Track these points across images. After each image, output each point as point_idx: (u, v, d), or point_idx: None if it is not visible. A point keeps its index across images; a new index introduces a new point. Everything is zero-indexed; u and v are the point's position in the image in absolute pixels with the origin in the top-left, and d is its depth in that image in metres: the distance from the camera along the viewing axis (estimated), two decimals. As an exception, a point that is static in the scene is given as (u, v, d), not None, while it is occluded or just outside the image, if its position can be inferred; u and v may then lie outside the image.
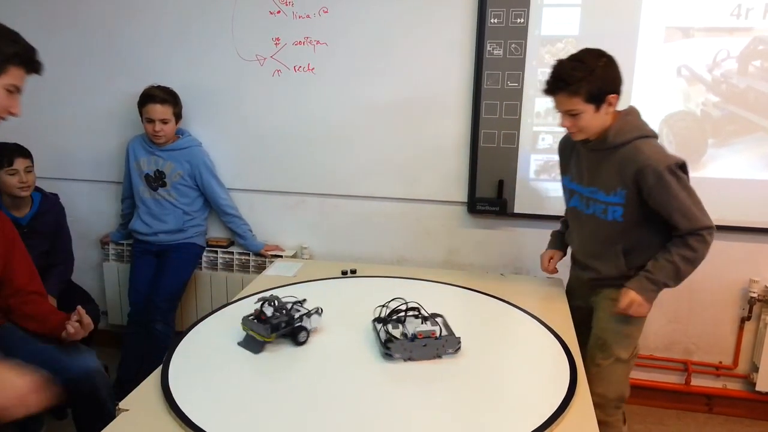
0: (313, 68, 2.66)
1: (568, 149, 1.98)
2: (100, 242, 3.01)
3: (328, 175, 2.78)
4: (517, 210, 2.62)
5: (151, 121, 2.62)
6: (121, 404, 1.39)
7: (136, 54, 2.80)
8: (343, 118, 2.70)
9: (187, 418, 1.32)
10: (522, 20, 2.40)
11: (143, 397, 1.42)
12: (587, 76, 1.67)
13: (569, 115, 1.75)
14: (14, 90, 1.51)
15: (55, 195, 2.63)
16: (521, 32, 2.42)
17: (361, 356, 1.63)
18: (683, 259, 1.74)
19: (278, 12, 2.62)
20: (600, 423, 1.39)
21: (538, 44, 2.43)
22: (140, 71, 2.78)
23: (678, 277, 1.77)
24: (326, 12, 2.58)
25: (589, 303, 2.00)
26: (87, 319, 1.82)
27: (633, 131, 1.76)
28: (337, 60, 2.63)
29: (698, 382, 2.62)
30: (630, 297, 1.78)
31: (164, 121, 2.63)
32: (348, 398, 1.42)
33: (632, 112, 1.82)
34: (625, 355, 1.87)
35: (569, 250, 2.16)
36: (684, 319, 2.58)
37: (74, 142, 2.97)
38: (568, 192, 2.01)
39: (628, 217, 1.79)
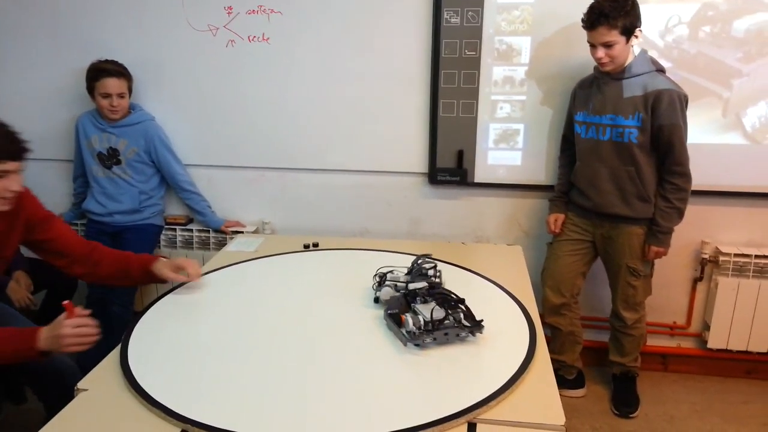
0: (267, 38, 2.60)
1: (586, 87, 2.29)
2: (53, 223, 2.91)
3: (288, 149, 2.74)
4: (477, 180, 2.64)
5: (107, 96, 2.53)
6: (80, 384, 1.36)
7: (82, 26, 2.68)
8: (301, 90, 2.65)
9: (148, 394, 1.30)
10: (479, -13, 2.39)
11: (102, 377, 1.39)
12: (623, 13, 2.01)
13: (605, 46, 2.05)
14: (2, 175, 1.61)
15: None
16: None
17: (323, 329, 1.63)
18: (681, 200, 2.17)
19: (231, -20, 2.54)
20: (636, 321, 2.36)
21: (495, 11, 2.42)
22: (86, 44, 2.67)
23: (681, 216, 2.20)
24: (280, -20, 2.52)
25: (595, 234, 2.35)
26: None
27: (652, 64, 2.15)
28: (292, 29, 2.58)
29: (654, 342, 2.72)
30: (654, 251, 2.23)
31: (121, 95, 2.55)
32: (318, 367, 1.42)
33: (646, 52, 2.18)
34: (650, 270, 2.34)
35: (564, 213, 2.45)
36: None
37: (18, 119, 2.78)
38: (584, 126, 2.26)
39: (641, 139, 2.13)
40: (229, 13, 2.59)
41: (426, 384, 1.36)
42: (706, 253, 2.56)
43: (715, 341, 2.60)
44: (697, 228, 2.54)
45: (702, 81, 2.37)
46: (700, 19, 2.32)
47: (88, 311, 1.59)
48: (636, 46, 2.12)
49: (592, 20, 2.04)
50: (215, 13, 2.59)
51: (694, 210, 2.52)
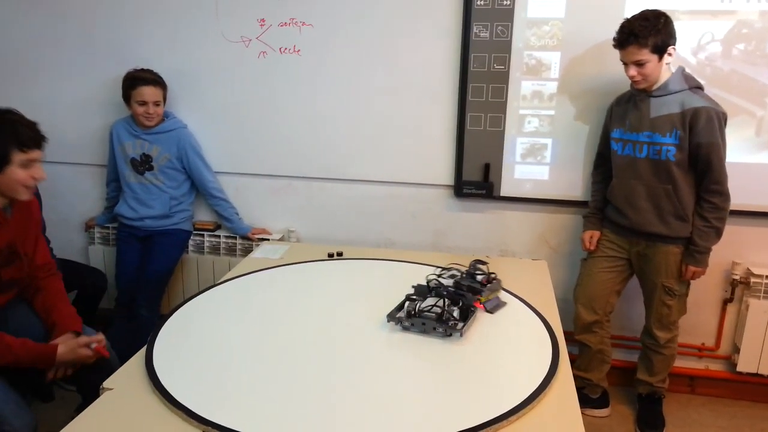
0: (299, 50, 2.64)
1: (623, 103, 2.26)
2: (86, 225, 2.99)
3: (316, 159, 2.77)
4: (503, 193, 2.63)
5: (143, 103, 2.60)
6: (105, 383, 1.39)
7: (119, 36, 2.76)
8: (330, 101, 2.68)
9: (170, 395, 1.32)
10: (508, 2, 2.39)
11: (127, 377, 1.43)
12: (653, 31, 1.99)
13: (637, 65, 2.04)
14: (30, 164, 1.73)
15: None
16: (507, 14, 2.41)
17: (344, 338, 1.64)
18: (718, 219, 2.14)
19: (264, -7, 2.60)
20: (669, 340, 2.31)
21: (525, 26, 2.42)
22: (123, 54, 2.75)
23: (719, 235, 2.16)
24: (312, -7, 2.56)
25: (631, 252, 2.31)
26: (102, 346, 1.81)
27: (690, 81, 2.12)
28: (323, 42, 2.61)
29: (681, 363, 2.65)
30: (691, 271, 2.19)
31: (156, 103, 2.62)
32: (339, 375, 1.43)
33: (684, 69, 2.15)
34: (686, 290, 2.29)
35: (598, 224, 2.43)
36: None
37: (56, 125, 2.92)
38: (621, 143, 2.23)
39: (678, 157, 2.10)
40: (261, 25, 2.64)
41: (445, 397, 1.36)
42: (737, 274, 2.51)
43: (745, 365, 2.53)
44: (729, 248, 2.49)
45: (735, 99, 2.34)
46: (734, 36, 2.29)
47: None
48: (671, 63, 2.09)
49: (622, 39, 2.03)
50: (248, 25, 2.65)
51: (725, 229, 2.48)
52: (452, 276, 1.95)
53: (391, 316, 1.70)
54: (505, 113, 2.53)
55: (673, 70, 2.12)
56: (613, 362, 2.51)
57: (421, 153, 2.67)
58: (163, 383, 1.37)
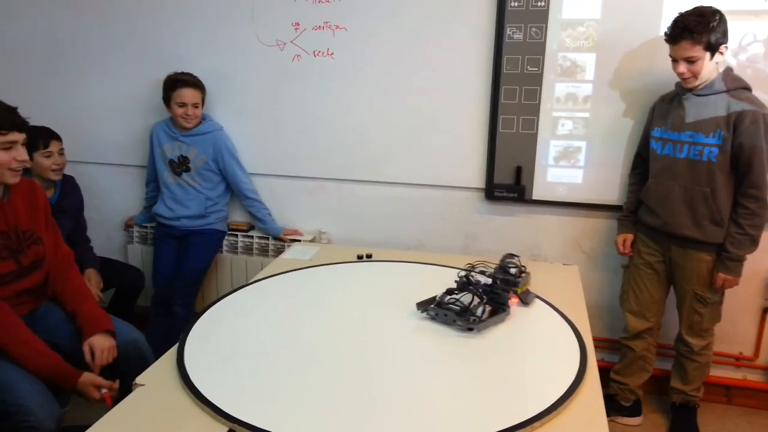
0: (332, 53, 2.67)
1: (667, 101, 2.21)
2: (125, 225, 3.08)
3: (347, 161, 2.79)
4: (535, 197, 2.60)
5: (183, 105, 2.66)
6: (138, 380, 1.44)
7: (158, 41, 2.84)
8: (362, 103, 2.70)
9: (200, 392, 1.36)
10: (543, 3, 2.37)
11: (159, 374, 1.47)
12: (708, 28, 1.95)
13: (688, 61, 2.00)
14: (9, 146, 1.74)
15: (72, 177, 2.70)
16: (542, 15, 2.39)
17: (372, 338, 1.65)
18: (754, 227, 2.05)
19: (298, -4, 2.63)
20: (703, 348, 2.25)
21: (559, 28, 2.39)
22: (162, 58, 2.83)
23: (755, 244, 2.09)
24: (345, -3, 2.59)
25: (666, 256, 2.26)
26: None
27: (738, 81, 2.07)
28: (356, 45, 2.64)
29: (718, 372, 2.58)
30: (722, 278, 2.11)
31: (195, 105, 2.69)
32: (365, 373, 1.44)
33: (732, 69, 2.10)
34: (719, 298, 2.22)
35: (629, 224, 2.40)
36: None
37: (99, 126, 3.03)
38: (661, 142, 2.18)
39: (720, 159, 2.04)
40: (296, 29, 2.68)
41: (469, 400, 1.36)
42: (778, 282, 2.43)
43: (785, 376, 2.45)
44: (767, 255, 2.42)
45: (778, 101, 2.26)
46: (777, 36, 2.21)
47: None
48: (721, 63, 2.05)
49: (675, 34, 1.99)
50: (283, 29, 2.69)
51: (764, 237, 2.40)
52: (482, 271, 1.97)
53: (421, 304, 1.79)
54: (538, 116, 2.51)
55: (721, 69, 2.07)
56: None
57: (452, 155, 2.67)
58: (193, 380, 1.41)
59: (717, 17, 1.96)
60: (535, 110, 2.50)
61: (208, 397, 1.34)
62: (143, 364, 1.61)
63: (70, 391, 1.76)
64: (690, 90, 2.08)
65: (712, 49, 1.97)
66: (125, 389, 1.42)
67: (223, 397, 1.34)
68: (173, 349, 1.57)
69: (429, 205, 2.76)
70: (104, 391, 1.73)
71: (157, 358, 1.58)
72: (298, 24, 2.68)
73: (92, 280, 2.51)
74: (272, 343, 1.62)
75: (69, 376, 1.74)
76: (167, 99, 2.71)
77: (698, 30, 1.94)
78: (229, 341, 1.63)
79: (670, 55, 2.05)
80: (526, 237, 2.70)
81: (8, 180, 1.81)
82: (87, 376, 1.74)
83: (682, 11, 2.00)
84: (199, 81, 2.72)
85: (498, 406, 1.33)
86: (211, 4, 2.73)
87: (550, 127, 2.52)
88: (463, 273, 1.89)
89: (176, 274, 2.71)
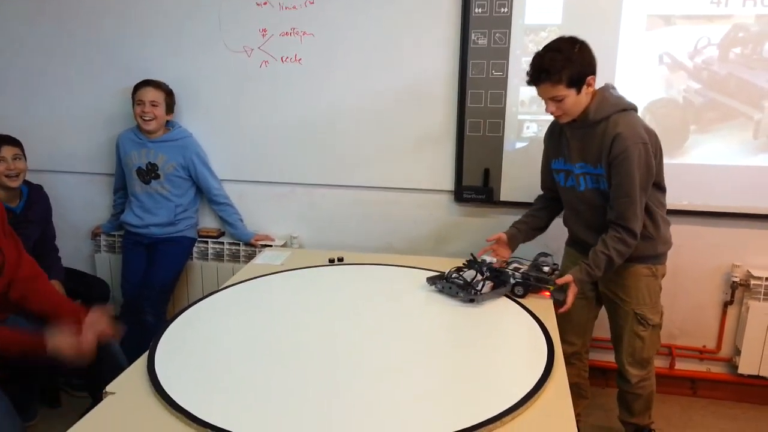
0: (300, 59, 2.68)
1: (556, 133, 2.09)
2: (92, 233, 3.03)
3: (317, 165, 2.80)
4: (503, 198, 2.65)
5: (141, 102, 2.65)
6: (108, 388, 1.42)
7: (124, 49, 2.82)
8: (330, 109, 2.72)
9: (172, 399, 1.35)
10: (506, 9, 2.42)
11: (129, 381, 1.46)
12: (566, 64, 1.80)
13: (554, 101, 1.87)
14: None
15: (40, 186, 2.66)
16: (505, 21, 2.44)
17: (343, 341, 1.66)
18: (618, 253, 1.88)
19: (265, 3, 2.64)
20: (643, 379, 2.08)
21: (522, 33, 2.45)
22: (128, 66, 2.81)
23: (610, 268, 1.92)
24: (312, 3, 2.60)
25: (604, 282, 2.09)
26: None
27: (610, 107, 1.89)
28: (323, 51, 2.65)
29: (682, 366, 2.67)
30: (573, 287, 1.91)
31: (153, 104, 2.66)
32: (337, 379, 1.45)
33: (608, 88, 1.94)
34: (660, 320, 2.08)
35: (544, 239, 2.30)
36: (668, 304, 2.59)
37: (65, 135, 2.99)
38: (562, 174, 2.07)
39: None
40: (263, 35, 2.68)
41: (441, 395, 1.39)
42: (736, 276, 2.51)
43: (746, 367, 2.54)
44: (728, 251, 2.50)
45: (732, 102, 2.35)
46: (730, 40, 2.30)
47: None
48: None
49: (533, 77, 1.85)
50: (251, 35, 2.69)
51: (724, 232, 2.49)
52: (516, 268, 2.05)
53: (430, 279, 2.02)
54: (504, 119, 2.56)
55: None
56: (592, 362, 2.45)
57: (421, 159, 2.70)
58: (164, 387, 1.40)
59: (576, 48, 1.81)
60: (501, 113, 2.55)
61: (180, 404, 1.34)
62: (118, 371, 1.60)
63: (46, 357, 1.70)
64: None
65: (577, 84, 1.82)
66: (97, 395, 1.40)
67: (196, 403, 1.34)
68: (143, 357, 1.56)
69: (399, 208, 2.79)
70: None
71: (128, 364, 1.56)
72: (265, 30, 2.68)
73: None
74: (244, 348, 1.62)
75: (37, 343, 1.69)
76: (132, 103, 2.69)
77: (555, 69, 1.79)
78: (201, 347, 1.63)
79: (539, 95, 1.91)
80: (495, 238, 2.74)
81: None
82: (53, 337, 1.70)
83: (540, 49, 1.85)
84: (164, 84, 2.71)
85: (469, 402, 1.36)
86: (177, 11, 2.72)
87: (515, 129, 2.57)
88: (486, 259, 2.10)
89: (146, 283, 2.68)
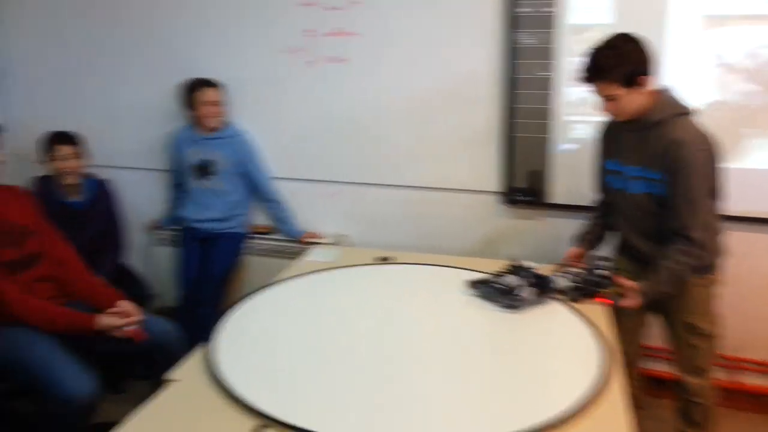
0: (346, 59, 2.73)
1: (612, 133, 2.05)
2: (150, 227, 3.17)
3: (365, 165, 2.85)
4: (553, 200, 2.64)
5: (207, 103, 2.75)
6: (170, 375, 1.51)
7: (178, 48, 2.94)
8: (377, 108, 2.76)
9: (229, 388, 1.42)
10: (552, 9, 2.41)
11: (190, 369, 1.54)
12: (621, 62, 1.77)
13: (608, 99, 1.84)
14: None
15: (107, 181, 2.80)
16: (551, 21, 2.42)
17: (393, 337, 1.71)
18: (685, 266, 1.83)
19: (311, 4, 2.70)
20: (701, 388, 1.98)
21: (569, 33, 2.43)
22: (182, 65, 2.92)
23: (679, 283, 1.88)
24: (357, 3, 2.64)
25: None
26: (129, 309, 2.00)
27: (670, 109, 1.85)
28: (369, 50, 2.70)
29: (747, 379, 2.56)
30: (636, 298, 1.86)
31: (217, 104, 2.78)
32: (388, 375, 1.50)
33: (667, 91, 1.90)
34: (715, 329, 1.99)
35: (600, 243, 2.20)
36: (728, 314, 2.39)
37: (124, 132, 3.13)
38: (614, 176, 2.03)
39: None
40: (310, 35, 2.74)
41: (490, 400, 1.41)
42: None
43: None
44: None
45: (792, 104, 2.28)
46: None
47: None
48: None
49: (587, 74, 1.82)
50: (297, 36, 2.75)
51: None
52: (570, 273, 2.00)
53: (471, 283, 1.97)
54: (550, 120, 2.54)
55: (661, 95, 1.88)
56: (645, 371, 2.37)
57: (468, 159, 2.71)
58: (222, 376, 1.48)
59: (631, 46, 1.78)
60: (548, 114, 2.54)
61: (236, 393, 1.41)
62: (176, 357, 1.70)
63: (93, 333, 1.90)
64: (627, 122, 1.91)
65: (631, 82, 1.78)
66: (159, 382, 1.49)
67: (252, 392, 1.40)
68: (203, 346, 1.64)
69: (448, 208, 2.80)
70: (131, 328, 1.93)
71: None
72: (312, 31, 2.74)
73: None
74: (296, 341, 1.68)
75: (84, 321, 1.90)
76: (189, 102, 2.79)
77: (608, 67, 1.77)
78: (256, 339, 1.70)
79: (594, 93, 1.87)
80: (545, 241, 2.70)
81: None
82: (101, 316, 1.91)
83: (594, 46, 1.81)
84: (219, 82, 2.81)
85: (523, 406, 1.38)
86: (227, 11, 2.82)
87: (563, 131, 2.55)
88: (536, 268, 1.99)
89: (202, 277, 2.79)
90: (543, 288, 1.91)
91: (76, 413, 1.80)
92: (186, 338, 2.19)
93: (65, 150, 2.57)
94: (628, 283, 1.87)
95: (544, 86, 2.51)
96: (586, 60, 1.82)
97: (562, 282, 1.95)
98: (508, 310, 1.85)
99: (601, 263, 1.99)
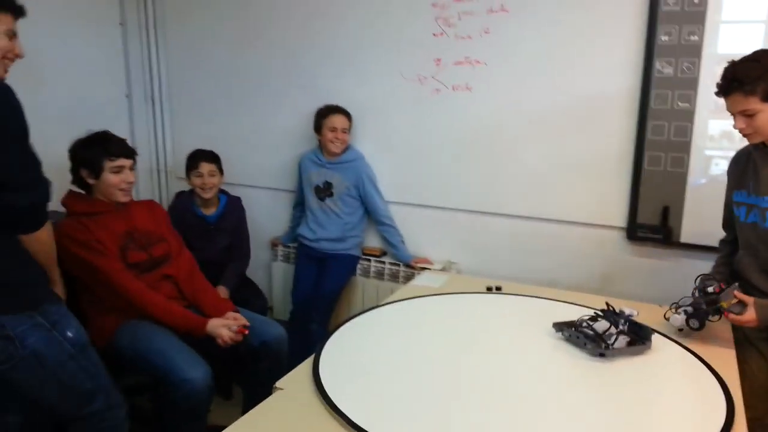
0: (470, 87, 2.73)
1: (742, 162, 1.91)
2: (271, 243, 3.33)
3: (481, 193, 2.82)
4: (683, 240, 2.44)
5: (334, 129, 2.87)
6: (277, 384, 1.55)
7: (311, 74, 3.09)
8: (498, 137, 2.73)
9: (333, 403, 1.44)
10: (696, 37, 2.26)
11: (296, 380, 1.57)
12: (763, 75, 1.64)
13: (744, 116, 1.70)
14: (12, 35, 1.62)
15: (238, 198, 2.99)
16: (695, 50, 2.28)
17: (499, 366, 1.64)
18: None
19: (441, 34, 2.74)
20: None
21: (714, 63, 2.26)
22: (314, 90, 3.07)
23: None
24: (487, 33, 2.64)
25: None
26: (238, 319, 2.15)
27: None
28: (494, 79, 2.68)
29: None
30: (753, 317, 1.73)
31: (344, 130, 2.89)
32: (491, 404, 1.44)
33: None
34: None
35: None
36: None
37: (257, 153, 3.34)
38: (744, 208, 1.88)
39: None
40: (437, 64, 2.78)
41: (599, 443, 1.31)
42: None
43: None
44: None
45: None
46: None
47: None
48: None
49: (724, 87, 1.71)
50: (425, 65, 2.81)
51: None
52: (679, 308, 1.88)
53: (557, 325, 1.84)
54: (688, 153, 2.37)
55: None
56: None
57: (592, 191, 2.59)
58: (326, 389, 1.49)
59: None
60: (686, 147, 2.37)
61: (340, 408, 1.41)
62: (282, 362, 1.74)
63: (203, 336, 2.06)
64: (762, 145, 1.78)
65: None
66: (267, 390, 1.54)
67: (354, 409, 1.41)
68: (310, 359, 1.67)
69: (565, 241, 2.69)
70: (235, 328, 2.08)
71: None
72: (439, 60, 2.78)
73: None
74: (399, 362, 1.67)
75: (198, 323, 2.08)
76: (318, 127, 2.92)
77: (749, 79, 1.64)
78: (361, 358, 1.71)
79: (727, 110, 1.76)
80: (670, 283, 2.51)
81: (119, 198, 2.12)
82: (213, 321, 2.08)
83: (736, 58, 1.71)
84: (347, 111, 2.91)
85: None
86: (363, 41, 2.93)
87: (702, 166, 2.36)
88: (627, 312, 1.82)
89: (314, 294, 2.88)
90: (638, 337, 1.75)
91: (195, 398, 1.94)
92: (294, 350, 2.25)
93: (207, 167, 2.79)
94: (746, 297, 1.75)
95: (683, 118, 2.35)
96: (724, 72, 1.71)
97: (679, 320, 1.83)
98: (596, 359, 1.69)
99: (710, 282, 1.84)
